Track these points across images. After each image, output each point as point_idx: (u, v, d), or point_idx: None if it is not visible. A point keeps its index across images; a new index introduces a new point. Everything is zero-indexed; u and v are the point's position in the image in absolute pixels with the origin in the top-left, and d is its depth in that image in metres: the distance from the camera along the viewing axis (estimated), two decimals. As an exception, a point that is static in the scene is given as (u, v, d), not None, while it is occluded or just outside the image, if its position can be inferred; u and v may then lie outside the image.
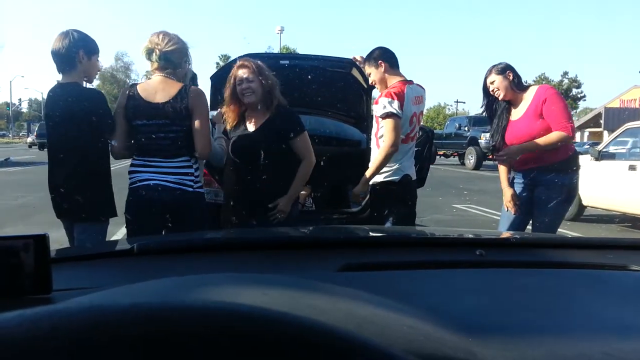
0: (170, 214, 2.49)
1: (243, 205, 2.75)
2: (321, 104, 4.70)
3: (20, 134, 64.42)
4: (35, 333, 0.33)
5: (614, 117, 32.15)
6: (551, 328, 0.68)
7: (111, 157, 2.65)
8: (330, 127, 4.80)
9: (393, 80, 3.03)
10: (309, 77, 4.10)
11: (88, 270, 1.00)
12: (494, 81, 3.15)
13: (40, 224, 6.39)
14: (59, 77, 2.62)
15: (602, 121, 35.57)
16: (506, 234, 2.03)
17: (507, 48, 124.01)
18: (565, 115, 3.01)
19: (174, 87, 2.50)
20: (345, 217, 4.18)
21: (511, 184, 3.25)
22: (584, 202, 7.65)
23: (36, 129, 34.38)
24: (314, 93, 4.34)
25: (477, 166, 18.66)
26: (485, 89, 3.22)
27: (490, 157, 15.76)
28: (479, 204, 9.10)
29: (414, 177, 3.16)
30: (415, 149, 3.41)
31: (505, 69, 3.14)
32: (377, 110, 2.97)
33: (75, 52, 2.57)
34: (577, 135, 46.22)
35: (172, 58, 2.52)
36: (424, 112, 3.30)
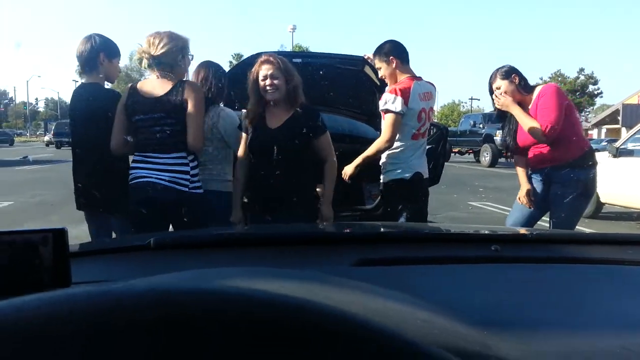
0: (166, 213, 2.50)
1: (257, 201, 2.73)
2: (334, 102, 4.70)
3: (38, 133, 65.27)
4: (53, 316, 0.34)
5: (632, 114, 31.58)
6: (568, 322, 0.67)
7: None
8: (343, 125, 4.78)
9: (402, 77, 3.01)
10: (322, 74, 4.10)
11: (106, 264, 1.02)
12: (500, 86, 3.10)
13: (58, 221, 6.49)
14: (75, 77, 2.73)
15: (619, 118, 35.02)
16: (522, 230, 2.02)
17: (522, 44, 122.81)
18: (548, 114, 2.95)
19: (170, 83, 2.53)
20: (358, 214, 4.17)
21: (529, 181, 3.21)
22: (602, 200, 7.55)
23: (53, 127, 34.86)
24: (327, 90, 4.34)
25: (493, 163, 18.50)
26: (492, 93, 3.18)
27: (505, 154, 15.62)
28: (496, 202, 9.02)
29: (425, 175, 3.13)
30: (430, 146, 3.39)
31: (510, 73, 3.10)
32: (380, 104, 2.99)
33: (97, 55, 2.74)
34: (595, 132, 45.68)
35: (164, 60, 2.53)
36: (434, 109, 3.27)
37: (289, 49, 35.91)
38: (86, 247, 1.15)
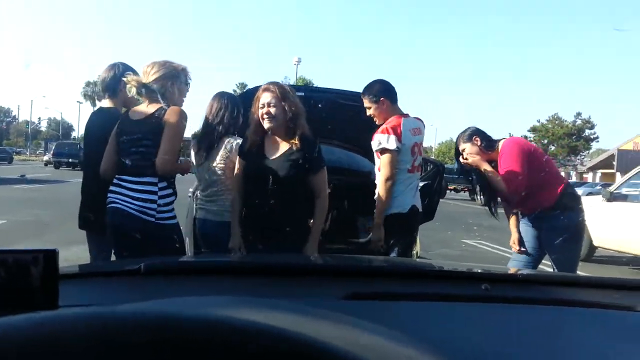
0: (133, 242, 2.45)
1: (251, 230, 2.68)
2: (332, 135, 4.75)
3: (37, 152, 65.36)
4: (41, 336, 0.34)
5: (627, 160, 31.94)
6: None
7: None
8: (341, 157, 4.82)
9: (392, 115, 3.07)
10: (322, 108, 4.15)
11: (95, 287, 1.01)
12: (464, 149, 3.25)
13: (51, 242, 6.44)
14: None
15: (615, 163, 35.40)
16: (512, 270, 2.02)
17: (521, 85, 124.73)
18: (508, 174, 3.09)
19: (154, 107, 2.55)
20: (352, 247, 4.16)
21: (518, 225, 3.34)
22: (595, 243, 7.55)
23: (53, 147, 34.90)
24: (326, 123, 4.39)
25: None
26: (458, 155, 3.32)
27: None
28: (489, 240, 9.01)
29: (420, 209, 3.16)
30: (425, 182, 3.42)
31: (471, 135, 3.25)
32: (374, 145, 3.03)
33: (118, 82, 2.84)
34: (590, 175, 45.96)
35: (153, 87, 2.57)
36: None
37: (292, 80, 36.37)
38: (77, 270, 1.14)
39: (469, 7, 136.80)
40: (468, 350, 0.71)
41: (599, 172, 40.77)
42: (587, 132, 47.00)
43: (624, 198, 7.39)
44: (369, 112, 3.16)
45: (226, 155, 2.85)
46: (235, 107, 3.00)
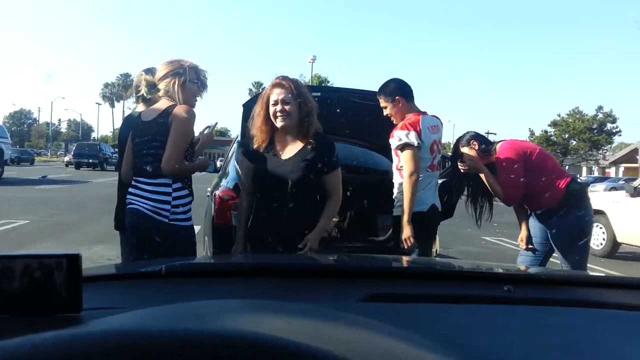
0: (148, 242, 2.47)
1: (268, 232, 2.47)
2: (350, 133, 4.73)
3: (58, 153, 66.48)
4: (69, 353, 0.35)
5: (652, 153, 31.24)
6: None
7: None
8: (358, 155, 4.81)
9: (408, 114, 3.05)
10: (338, 107, 4.14)
11: (117, 290, 1.03)
12: (463, 154, 3.29)
13: (72, 242, 6.55)
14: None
15: (638, 157, 34.66)
16: (536, 270, 1.99)
17: (542, 80, 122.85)
18: (502, 182, 3.15)
19: (164, 106, 2.54)
20: (370, 246, 4.14)
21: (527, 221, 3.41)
22: (619, 239, 7.42)
23: (74, 148, 35.46)
24: (343, 123, 4.38)
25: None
26: (455, 159, 3.36)
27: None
28: (509, 237, 8.89)
29: (439, 207, 3.14)
30: (444, 179, 3.40)
31: (469, 140, 3.31)
32: (393, 142, 3.00)
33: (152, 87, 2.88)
34: (612, 170, 45.07)
35: (161, 85, 2.58)
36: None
37: (307, 78, 36.38)
38: (99, 272, 1.16)
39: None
40: (489, 354, 0.70)
41: (622, 167, 40.02)
42: (609, 125, 46.02)
43: (648, 193, 7.24)
44: (385, 112, 3.14)
45: None
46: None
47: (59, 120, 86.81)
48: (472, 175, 3.30)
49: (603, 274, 3.71)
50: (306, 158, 2.43)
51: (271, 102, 2.45)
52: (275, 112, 2.43)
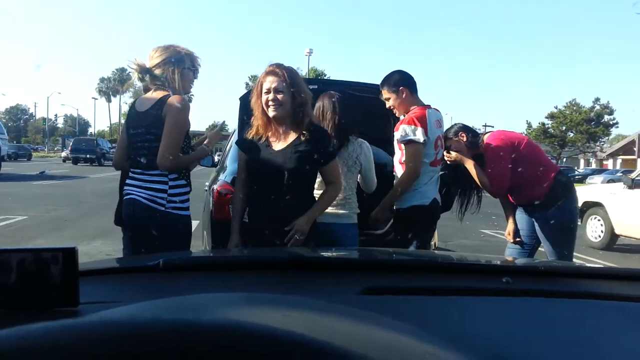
0: (145, 232, 2.43)
1: (264, 225, 2.43)
2: (349, 127, 4.71)
3: (55, 149, 66.28)
4: (58, 345, 0.34)
5: (649, 145, 31.26)
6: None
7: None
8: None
9: (412, 106, 2.99)
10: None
11: (114, 284, 1.02)
12: (450, 145, 3.29)
13: (70, 237, 6.54)
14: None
15: (635, 148, 34.69)
16: (534, 262, 1.99)
17: (538, 72, 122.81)
18: (491, 172, 3.16)
19: (158, 96, 2.47)
20: (368, 239, 4.13)
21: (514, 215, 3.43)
22: (617, 231, 7.44)
23: (71, 143, 35.35)
24: (342, 116, 4.36)
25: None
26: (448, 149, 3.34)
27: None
28: (507, 230, 8.92)
29: (440, 202, 3.13)
30: (443, 172, 3.39)
31: (457, 132, 3.31)
32: (398, 135, 2.95)
33: None
34: (610, 162, 45.10)
35: (156, 72, 2.51)
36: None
37: (304, 71, 36.26)
38: (96, 266, 1.15)
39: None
40: (489, 346, 0.70)
41: (619, 159, 40.09)
42: (606, 117, 46.03)
43: (646, 185, 7.25)
44: (388, 104, 3.09)
45: (356, 156, 2.86)
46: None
47: (56, 115, 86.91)
48: (461, 167, 3.29)
49: (602, 266, 3.72)
50: (299, 149, 2.36)
51: (264, 90, 2.36)
52: (267, 101, 2.35)
